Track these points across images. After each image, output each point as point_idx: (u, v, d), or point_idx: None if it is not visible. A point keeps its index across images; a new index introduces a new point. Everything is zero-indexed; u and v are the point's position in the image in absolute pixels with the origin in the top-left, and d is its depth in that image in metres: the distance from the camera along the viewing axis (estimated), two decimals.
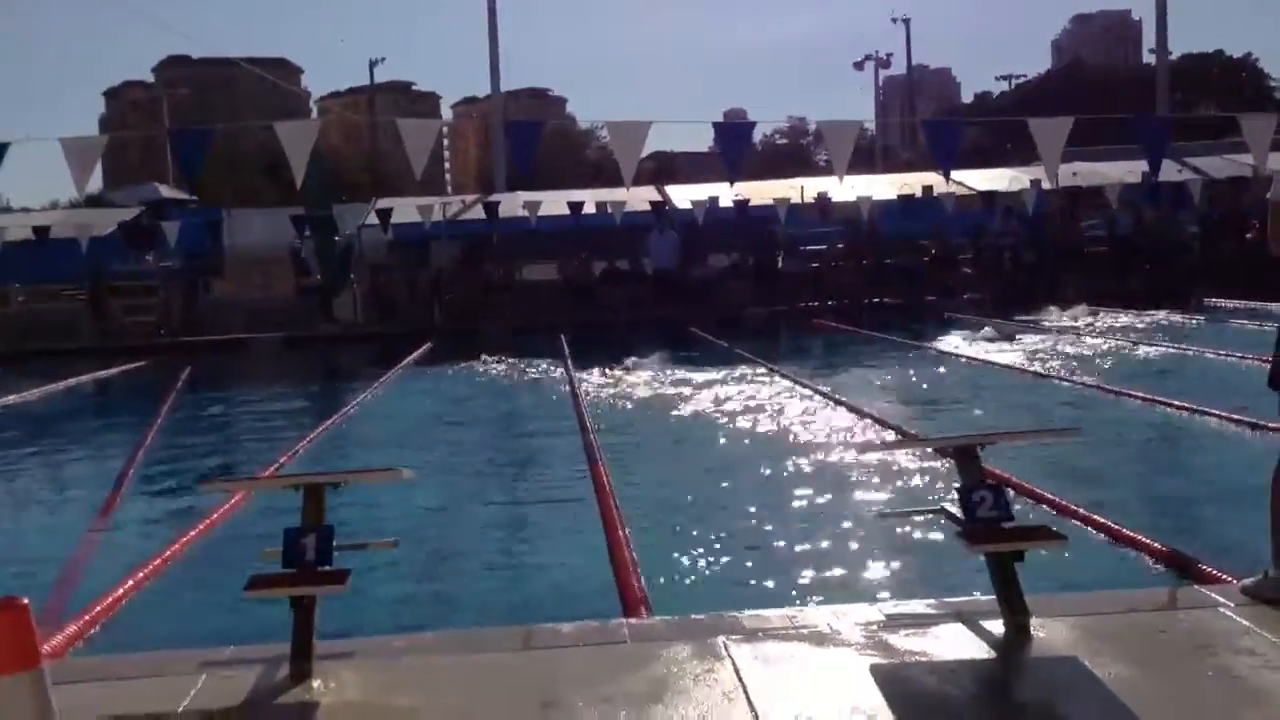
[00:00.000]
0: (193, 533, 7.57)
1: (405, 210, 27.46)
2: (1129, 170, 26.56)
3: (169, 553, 7.08)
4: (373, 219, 27.57)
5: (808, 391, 13.42)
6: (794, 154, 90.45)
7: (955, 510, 4.65)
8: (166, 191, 35.61)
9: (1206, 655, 4.03)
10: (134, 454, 11.20)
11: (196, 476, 10.10)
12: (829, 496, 8.19)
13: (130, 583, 6.37)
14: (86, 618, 5.70)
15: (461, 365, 18.99)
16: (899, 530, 6.98)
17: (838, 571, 6.45)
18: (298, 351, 23.75)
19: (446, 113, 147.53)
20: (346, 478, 4.95)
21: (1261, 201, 4.76)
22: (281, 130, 10.47)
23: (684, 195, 28.84)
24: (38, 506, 10.20)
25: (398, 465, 5.24)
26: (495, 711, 3.85)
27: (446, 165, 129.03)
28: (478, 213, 28.21)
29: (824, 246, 27.57)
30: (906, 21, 64.98)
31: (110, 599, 6.04)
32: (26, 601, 2.21)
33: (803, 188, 28.40)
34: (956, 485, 4.67)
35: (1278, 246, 4.62)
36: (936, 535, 6.51)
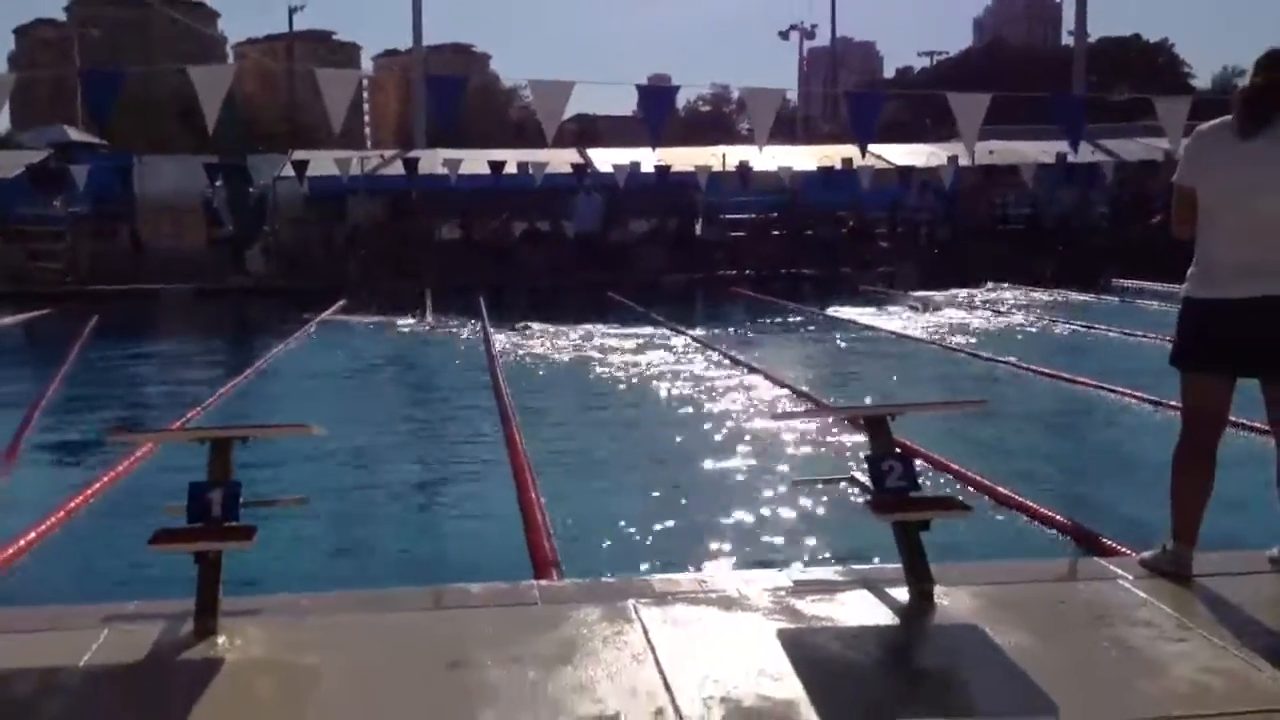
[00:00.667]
0: (97, 485, 7.42)
1: (322, 163, 27.02)
2: (1044, 150, 26.99)
3: (72, 504, 6.93)
4: (289, 171, 27.09)
5: (722, 358, 13.51)
6: (717, 122, 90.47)
7: (864, 479, 4.71)
8: (76, 134, 34.65)
9: (1104, 626, 4.13)
10: (37, 403, 10.94)
11: (102, 428, 9.90)
12: (740, 463, 8.26)
13: (32, 535, 6.22)
14: None
15: (375, 322, 18.83)
16: (808, 497, 7.06)
17: (747, 537, 6.51)
18: (209, 303, 23.33)
19: (367, 64, 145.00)
20: (255, 432, 4.87)
21: (1170, 185, 4.84)
22: (195, 75, 10.22)
23: (606, 159, 28.74)
24: None
25: (307, 421, 5.17)
26: (403, 670, 3.83)
27: (366, 119, 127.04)
28: (397, 169, 27.86)
29: (744, 215, 27.69)
30: None
31: (10, 551, 5.91)
32: None
33: (724, 156, 28.45)
34: (866, 454, 4.72)
35: (1181, 230, 4.70)
36: (845, 503, 6.59)
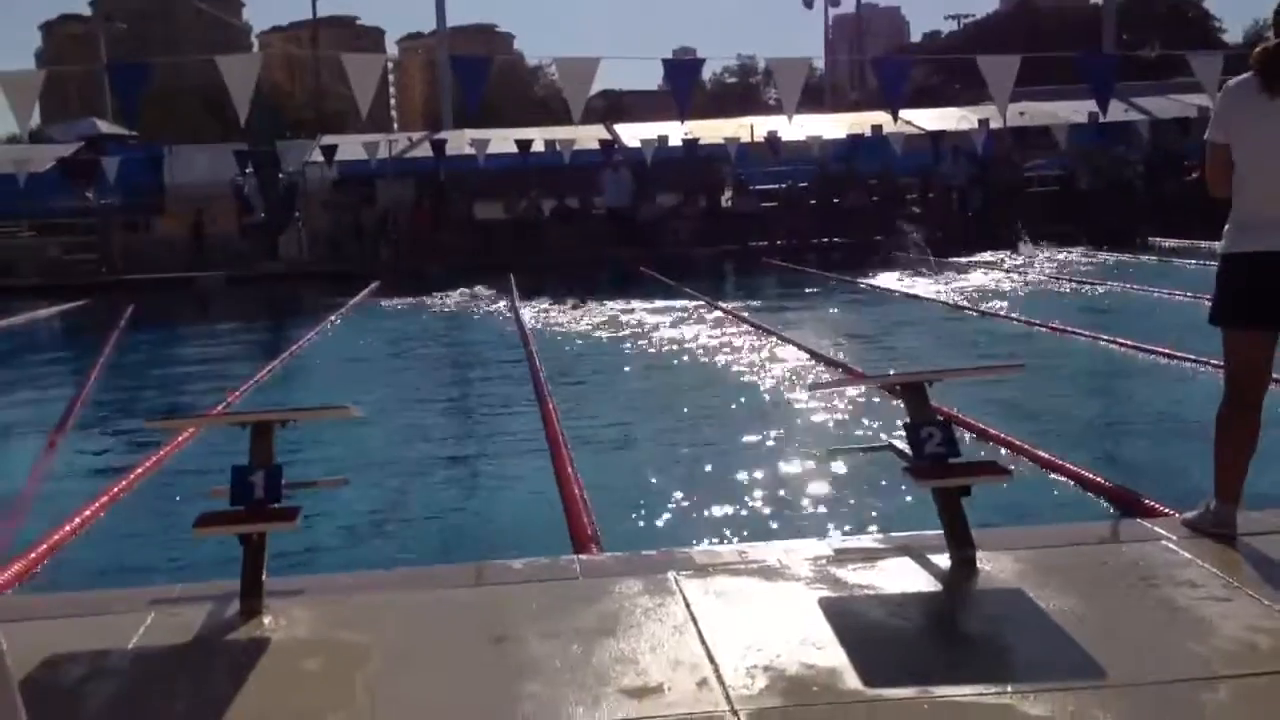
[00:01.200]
0: (140, 470, 7.49)
1: (350, 147, 27.13)
2: (1076, 110, 26.70)
3: (116, 490, 7.00)
4: (317, 156, 27.20)
5: (756, 330, 13.47)
6: (744, 93, 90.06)
7: (903, 446, 4.69)
8: (105, 127, 34.88)
9: (1148, 587, 4.10)
10: (79, 393, 11.06)
11: (143, 415, 9.99)
12: (778, 434, 8.24)
13: (77, 520, 6.30)
14: (32, 555, 5.64)
15: (408, 304, 18.89)
16: (847, 466, 7.04)
17: (787, 507, 6.50)
18: (241, 290, 23.46)
19: (391, 49, 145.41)
20: (295, 415, 4.90)
21: (1203, 142, 4.78)
22: (224, 64, 10.29)
23: (633, 134, 28.68)
24: None
25: (346, 403, 5.20)
26: (448, 646, 3.85)
27: (393, 103, 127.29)
28: (424, 150, 27.93)
29: (774, 186, 27.57)
30: None
31: (57, 537, 5.98)
32: None
33: (752, 126, 28.33)
34: (904, 422, 4.70)
35: (1217, 187, 4.65)
36: (884, 471, 6.57)
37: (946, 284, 17.97)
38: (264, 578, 4.27)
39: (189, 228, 26.27)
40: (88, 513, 6.50)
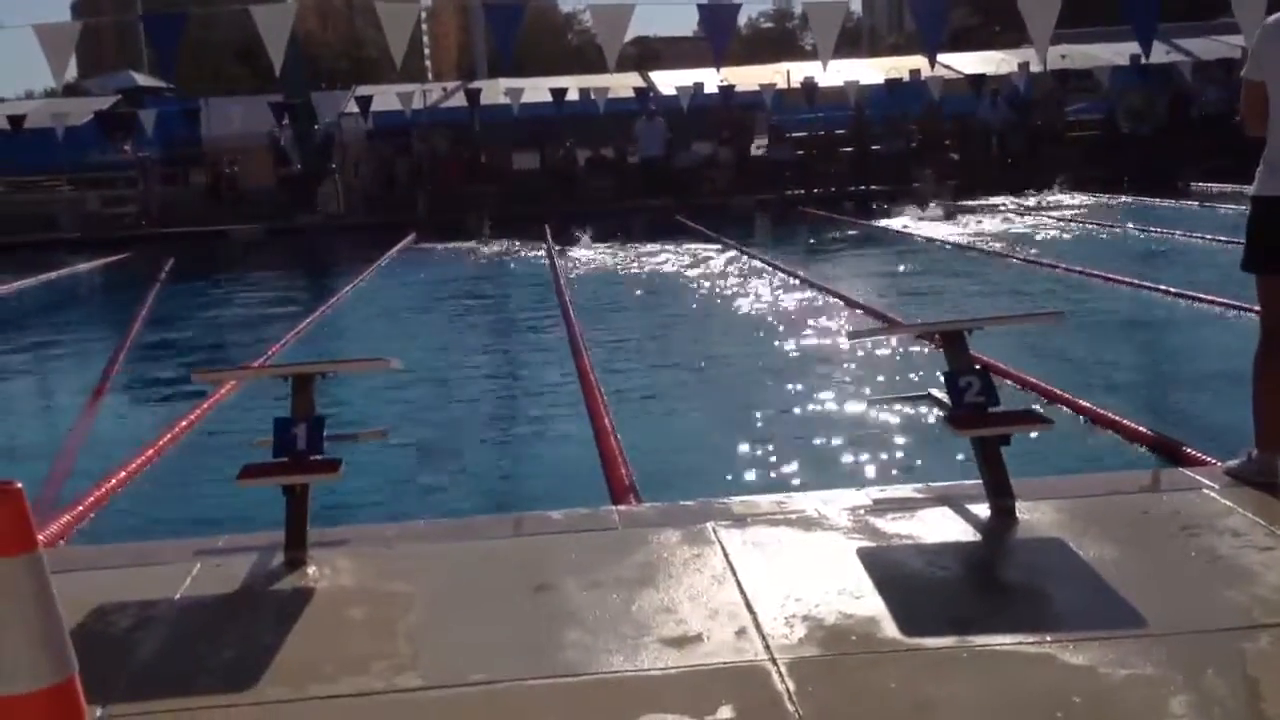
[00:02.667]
0: (184, 423, 7.58)
1: (386, 98, 27.07)
2: (1117, 52, 26.26)
3: (161, 442, 7.09)
4: (352, 107, 27.17)
5: (793, 278, 13.42)
6: (780, 39, 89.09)
7: (942, 396, 4.67)
8: (142, 79, 34.98)
9: (1189, 536, 4.09)
10: (121, 345, 11.17)
11: (184, 367, 10.09)
12: (817, 382, 8.23)
13: (122, 473, 6.39)
14: (79, 508, 5.73)
15: (445, 254, 18.94)
16: (886, 415, 7.03)
17: (825, 457, 6.51)
18: (280, 242, 23.54)
19: None
20: (335, 367, 4.94)
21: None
22: (258, 14, 10.27)
23: (668, 81, 28.49)
24: (26, 400, 10.20)
25: (385, 355, 5.23)
26: (489, 596, 3.89)
27: (426, 53, 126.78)
28: (459, 100, 27.83)
29: (811, 133, 27.30)
30: None
31: (102, 489, 6.07)
32: (20, 485, 2.21)
33: (789, 72, 28.06)
34: (942, 371, 4.68)
35: (1253, 125, 4.56)
36: (923, 420, 6.55)
37: (986, 230, 17.80)
38: (307, 528, 4.32)
39: (210, 180, 26.33)
40: (133, 465, 6.59)
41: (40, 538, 2.26)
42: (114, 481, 6.24)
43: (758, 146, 27.74)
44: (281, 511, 4.30)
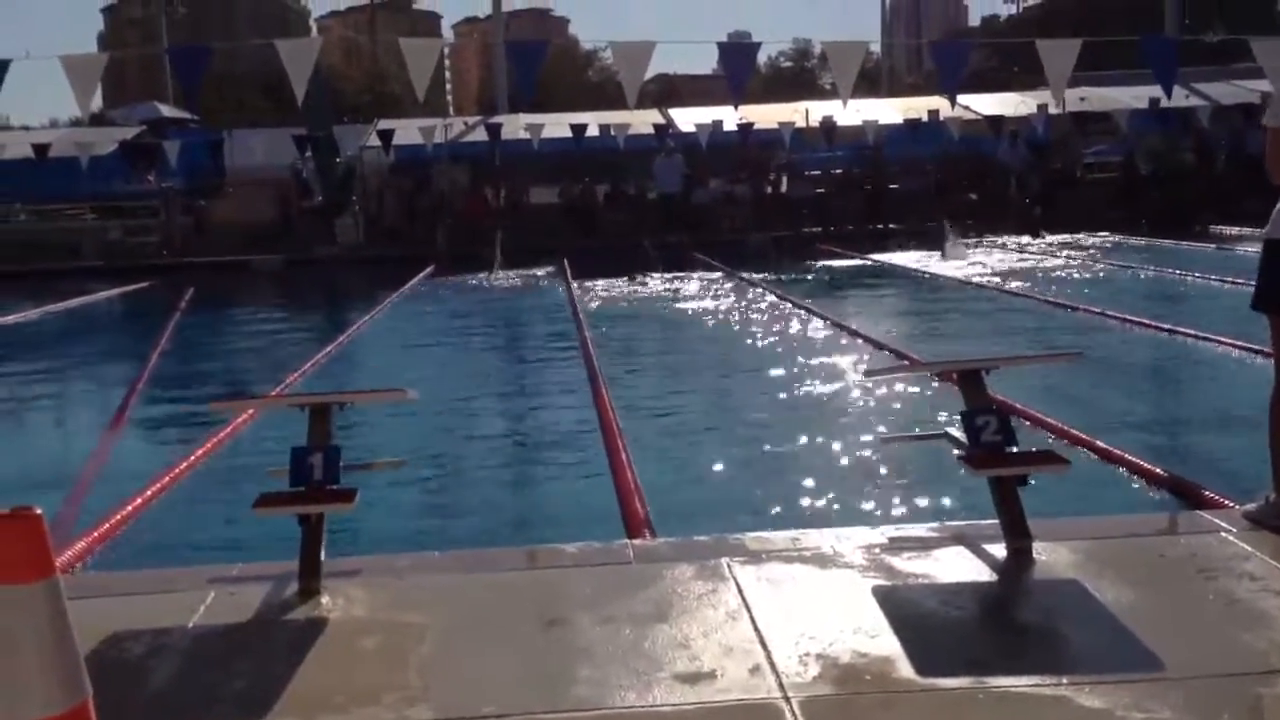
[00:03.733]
0: (200, 451, 7.60)
1: (407, 131, 27.24)
2: (1136, 96, 26.31)
3: (177, 470, 7.11)
4: (374, 140, 27.36)
5: (810, 315, 13.42)
6: (799, 78, 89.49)
7: (959, 434, 4.66)
8: (167, 111, 35.27)
9: (1206, 579, 4.06)
10: (140, 373, 11.22)
11: (203, 396, 10.13)
12: (833, 419, 8.21)
13: (139, 500, 6.40)
14: (95, 534, 5.74)
15: (463, 287, 18.99)
16: (903, 452, 7.01)
17: (841, 494, 6.48)
18: (299, 273, 23.66)
19: (447, 33, 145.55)
20: (352, 398, 4.96)
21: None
22: (283, 48, 10.35)
23: (687, 119, 28.59)
24: (45, 426, 10.24)
25: (402, 387, 5.24)
26: (502, 629, 3.88)
27: (448, 87, 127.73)
28: (480, 135, 28.01)
29: (830, 171, 27.39)
30: None
31: (119, 516, 6.08)
32: (40, 511, 2.22)
33: (807, 111, 28.16)
34: (960, 410, 4.67)
35: (1275, 172, 4.57)
36: (940, 459, 6.53)
37: (1004, 270, 17.79)
38: (321, 558, 4.32)
39: (277, 203, 26.45)
40: (150, 492, 6.60)
41: (57, 563, 2.27)
42: (131, 508, 6.25)
43: (775, 183, 27.84)
44: (297, 539, 4.30)
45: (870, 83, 48.98)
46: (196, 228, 26.40)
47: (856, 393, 9.05)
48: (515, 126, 27.66)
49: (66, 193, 27.21)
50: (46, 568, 2.20)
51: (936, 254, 20.74)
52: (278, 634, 3.93)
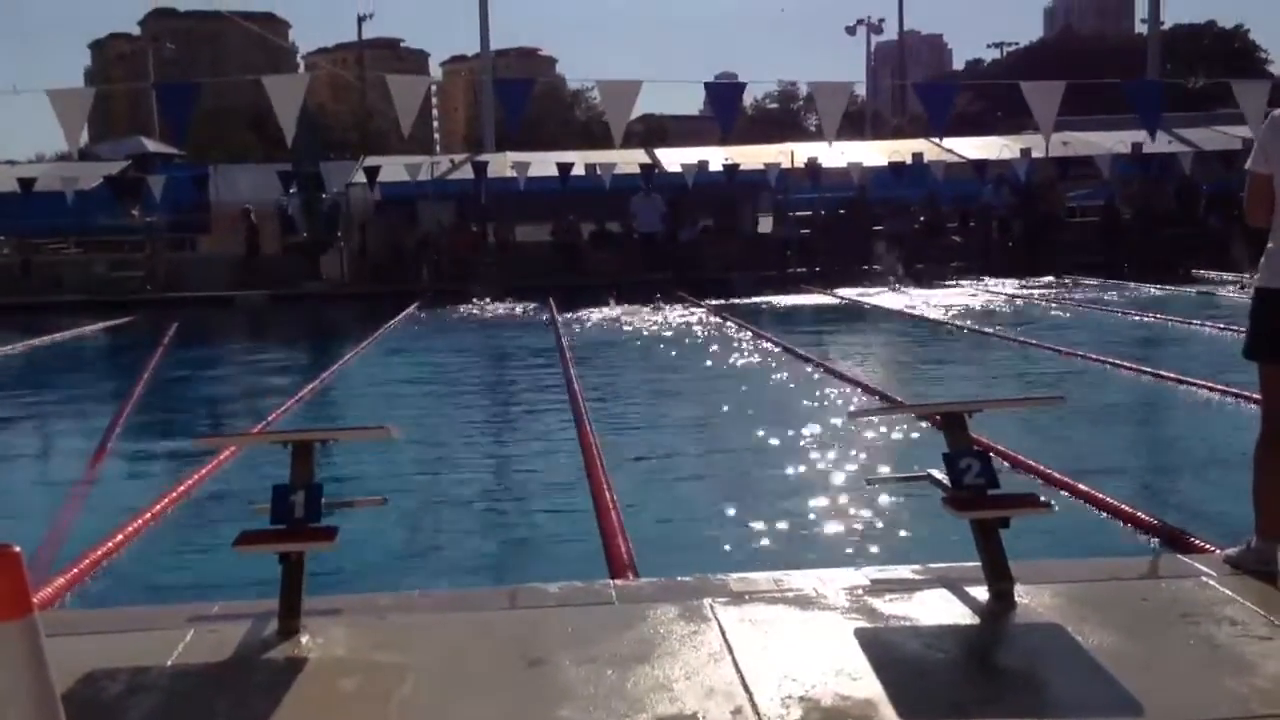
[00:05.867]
0: (181, 488, 7.56)
1: (393, 169, 27.26)
2: (1119, 140, 26.54)
3: (157, 507, 7.07)
4: (360, 177, 27.38)
5: (794, 356, 13.45)
6: (785, 119, 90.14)
7: (942, 477, 4.67)
8: (152, 145, 35.32)
9: (1188, 624, 4.07)
10: (122, 408, 11.17)
11: (185, 432, 10.09)
12: (816, 461, 8.21)
13: (119, 537, 6.36)
14: (74, 571, 5.70)
15: (447, 325, 18.99)
16: (885, 495, 7.01)
17: (823, 536, 6.48)
18: (284, 309, 23.63)
19: (435, 71, 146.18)
20: (335, 435, 4.94)
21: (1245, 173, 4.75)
22: (270, 84, 10.41)
23: (673, 158, 28.71)
24: (25, 460, 10.17)
25: (384, 424, 5.23)
26: (483, 669, 3.87)
27: (435, 125, 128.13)
28: (466, 173, 28.06)
29: (814, 212, 27.55)
30: None
31: (98, 553, 6.04)
32: (19, 549, 2.21)
33: (793, 152, 28.30)
34: (943, 452, 4.68)
35: (1255, 217, 4.62)
36: (922, 501, 6.53)
37: (987, 313, 17.88)
38: (302, 596, 4.30)
39: (243, 237, 26.39)
40: (130, 529, 6.56)
41: (36, 600, 2.26)
42: (110, 545, 6.21)
43: (760, 223, 27.98)
44: (277, 578, 4.28)
45: (854, 126, 49.36)
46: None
47: (840, 433, 9.05)
48: (502, 164, 27.74)
49: (52, 227, 27.16)
50: (24, 606, 2.19)
51: (920, 295, 20.84)
52: (257, 673, 3.91)
